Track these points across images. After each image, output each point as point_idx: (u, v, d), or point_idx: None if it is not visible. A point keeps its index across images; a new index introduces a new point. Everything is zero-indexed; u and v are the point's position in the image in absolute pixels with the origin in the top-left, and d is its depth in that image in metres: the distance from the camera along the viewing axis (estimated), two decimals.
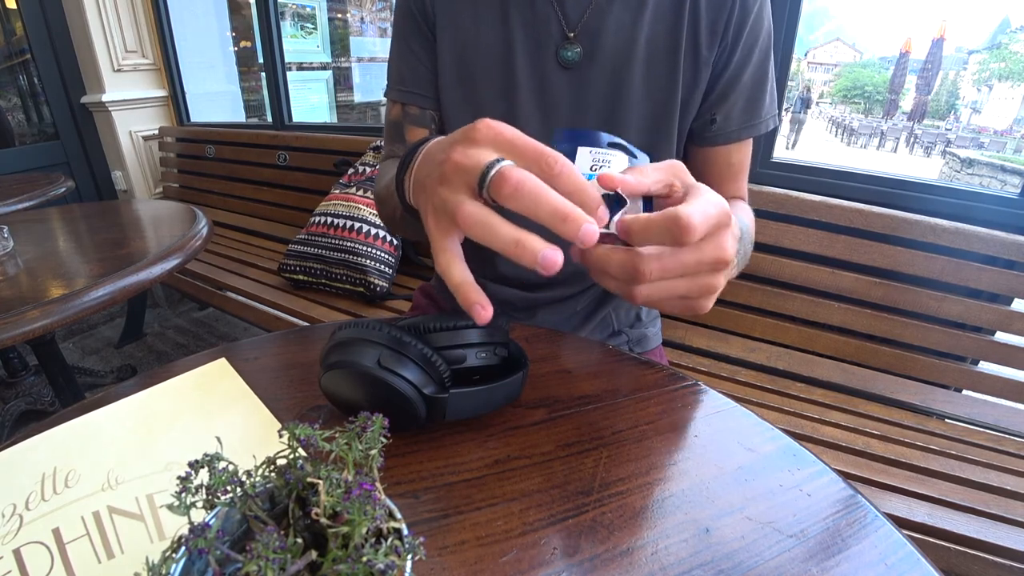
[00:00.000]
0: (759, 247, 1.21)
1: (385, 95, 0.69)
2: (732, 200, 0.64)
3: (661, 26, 0.56)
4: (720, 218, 0.32)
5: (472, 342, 0.41)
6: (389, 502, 0.24)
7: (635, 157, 0.37)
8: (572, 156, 0.36)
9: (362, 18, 4.82)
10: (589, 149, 0.36)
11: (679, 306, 0.35)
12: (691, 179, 0.35)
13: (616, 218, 0.33)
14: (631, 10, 0.56)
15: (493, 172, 0.28)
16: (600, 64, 0.57)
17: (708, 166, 0.65)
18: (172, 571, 0.21)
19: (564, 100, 0.59)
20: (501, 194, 0.28)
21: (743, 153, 0.64)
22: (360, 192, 1.56)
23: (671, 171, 0.35)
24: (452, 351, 0.40)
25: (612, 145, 0.36)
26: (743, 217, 0.57)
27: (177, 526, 0.32)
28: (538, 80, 0.59)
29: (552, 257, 0.27)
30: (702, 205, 0.31)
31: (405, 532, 0.23)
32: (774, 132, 1.35)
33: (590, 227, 0.27)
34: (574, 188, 0.28)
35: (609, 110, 0.59)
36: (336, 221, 1.51)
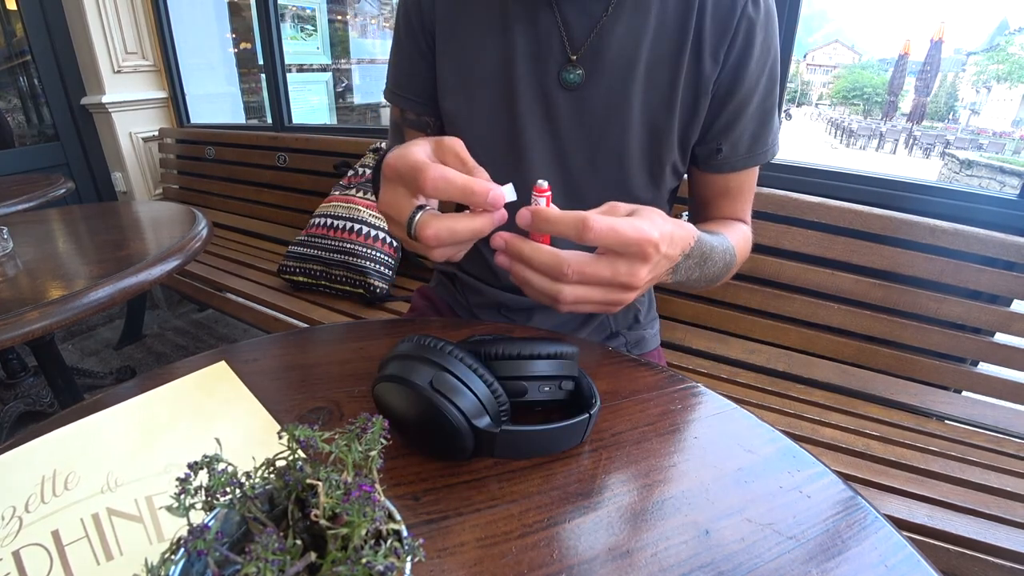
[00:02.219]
0: (759, 249, 1.21)
1: (385, 94, 0.69)
2: (722, 220, 0.64)
3: (663, 48, 0.55)
4: (638, 246, 0.36)
5: (537, 374, 0.39)
6: (388, 504, 0.24)
7: None
8: None
9: (362, 22, 4.82)
10: None
11: (593, 309, 0.40)
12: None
13: None
14: (634, 31, 0.55)
15: (414, 224, 0.37)
16: (600, 83, 0.57)
17: (704, 188, 0.65)
18: (171, 573, 0.21)
19: (565, 118, 0.58)
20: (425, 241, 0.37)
21: (742, 179, 0.63)
22: (360, 194, 1.56)
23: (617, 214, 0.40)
24: (514, 382, 0.38)
25: None
26: (726, 236, 0.56)
27: (176, 528, 0.32)
28: (540, 98, 0.58)
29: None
30: (614, 221, 0.36)
31: (404, 534, 0.23)
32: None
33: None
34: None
35: (608, 129, 0.58)
36: (336, 223, 1.51)
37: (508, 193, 0.36)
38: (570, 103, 0.58)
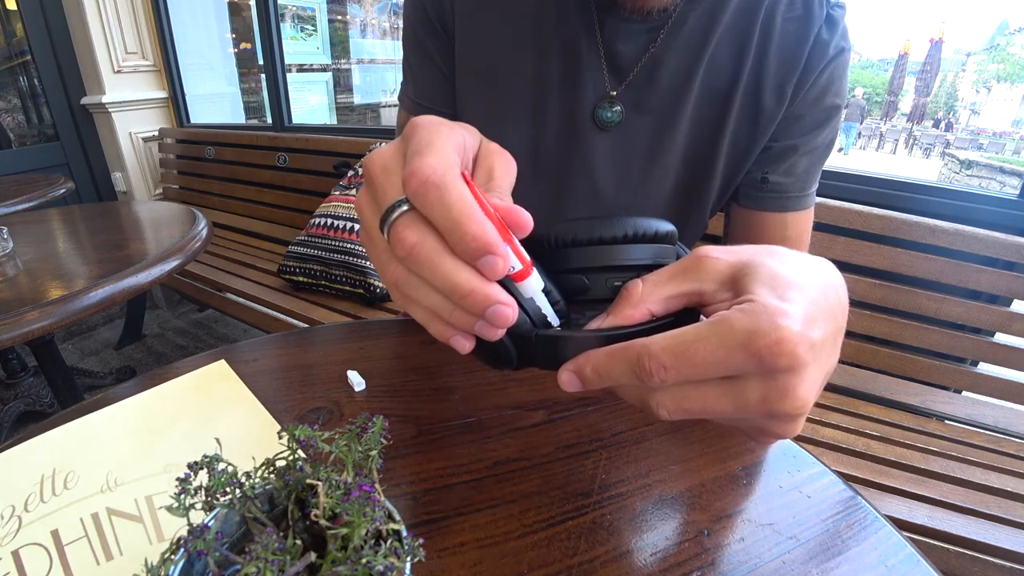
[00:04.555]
0: None
1: (400, 99, 0.63)
2: None
3: (716, 82, 0.50)
4: (756, 355, 0.21)
5: (598, 265, 0.28)
6: (388, 504, 0.24)
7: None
8: None
9: (362, 22, 4.83)
10: None
11: (741, 428, 0.26)
12: (739, 274, 0.24)
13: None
14: (687, 64, 0.49)
15: (388, 225, 0.23)
16: (641, 123, 0.51)
17: (757, 233, 0.56)
18: (171, 573, 0.21)
19: (597, 161, 0.52)
20: (398, 257, 0.23)
21: (802, 225, 0.55)
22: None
23: (688, 277, 0.25)
24: (571, 277, 0.28)
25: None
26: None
27: (176, 528, 0.32)
28: (570, 138, 0.52)
29: (461, 343, 0.25)
30: (693, 337, 0.22)
31: (404, 534, 0.23)
32: None
33: (502, 309, 0.22)
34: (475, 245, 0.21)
35: (643, 172, 0.53)
36: (336, 223, 1.51)
37: (514, 263, 0.24)
38: (603, 144, 0.52)
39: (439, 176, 0.21)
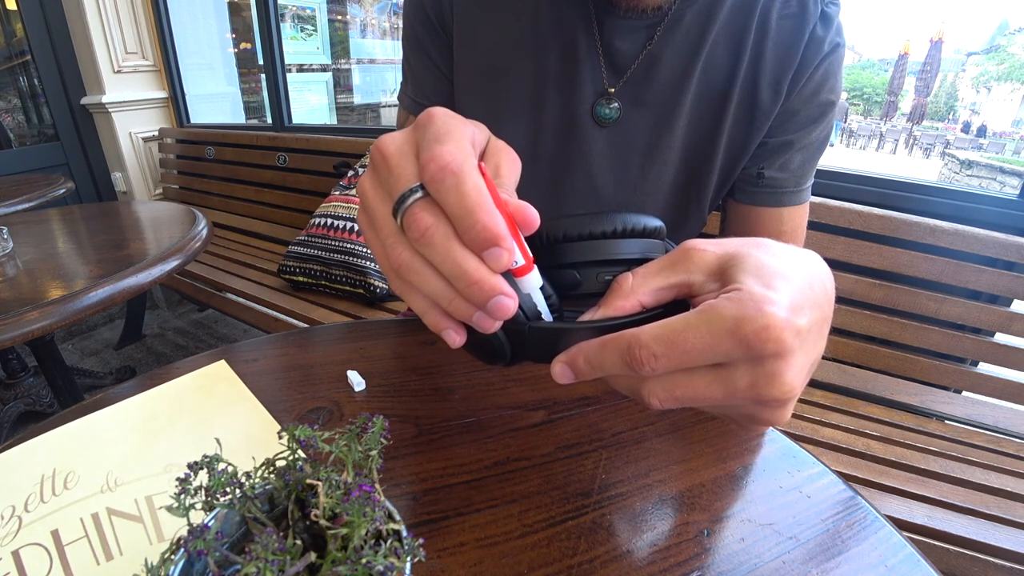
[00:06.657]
0: None
1: (399, 98, 0.63)
2: None
3: (714, 77, 0.50)
4: (743, 342, 0.21)
5: (589, 259, 0.29)
6: (388, 504, 0.24)
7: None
8: None
9: (362, 22, 4.83)
10: None
11: (729, 416, 0.27)
12: (726, 265, 0.25)
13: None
14: (684, 60, 0.49)
15: (404, 207, 0.24)
16: (639, 120, 0.51)
17: (753, 228, 0.57)
18: (171, 573, 0.21)
19: (595, 158, 0.53)
20: (411, 238, 0.24)
21: (797, 220, 0.55)
22: None
23: (676, 269, 0.26)
24: (563, 272, 0.29)
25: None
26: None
27: (176, 528, 0.32)
28: (568, 134, 0.53)
29: (453, 337, 0.26)
30: (682, 326, 0.22)
31: (404, 534, 0.23)
32: None
33: (505, 300, 0.23)
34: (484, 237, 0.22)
35: (642, 168, 0.53)
36: (336, 223, 1.51)
37: (518, 258, 0.25)
38: (602, 139, 0.53)
39: (458, 164, 0.22)
